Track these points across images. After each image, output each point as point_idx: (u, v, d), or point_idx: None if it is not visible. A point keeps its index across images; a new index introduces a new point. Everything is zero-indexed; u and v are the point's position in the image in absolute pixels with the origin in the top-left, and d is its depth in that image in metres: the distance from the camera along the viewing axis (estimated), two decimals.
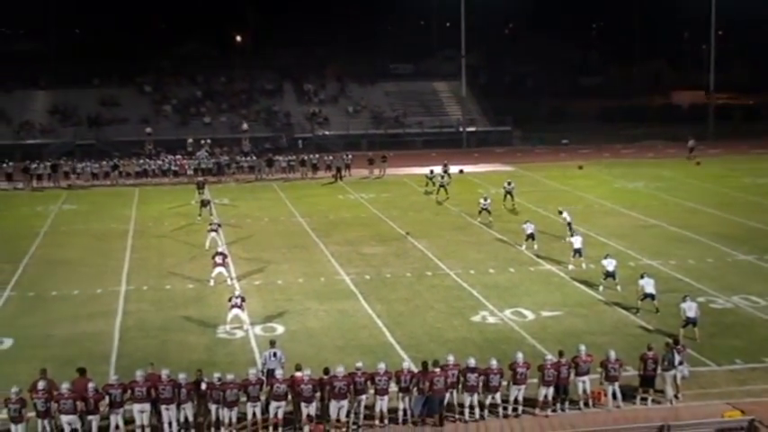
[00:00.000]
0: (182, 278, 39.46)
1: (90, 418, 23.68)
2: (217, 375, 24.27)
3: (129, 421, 23.81)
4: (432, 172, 63.22)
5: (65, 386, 23.57)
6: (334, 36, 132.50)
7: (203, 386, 24.06)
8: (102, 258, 43.71)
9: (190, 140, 79.57)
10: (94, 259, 43.63)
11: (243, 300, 32.72)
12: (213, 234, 44.78)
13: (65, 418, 23.26)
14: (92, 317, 34.26)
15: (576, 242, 40.73)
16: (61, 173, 69.19)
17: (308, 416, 23.79)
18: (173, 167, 70.66)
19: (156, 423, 23.89)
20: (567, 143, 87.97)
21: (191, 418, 23.95)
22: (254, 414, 24.05)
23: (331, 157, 72.16)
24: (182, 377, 24.05)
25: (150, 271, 40.96)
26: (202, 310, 34.68)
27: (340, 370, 24.29)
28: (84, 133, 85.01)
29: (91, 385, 23.89)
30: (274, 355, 26.45)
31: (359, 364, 24.83)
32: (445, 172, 63.73)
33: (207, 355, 29.62)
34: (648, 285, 32.99)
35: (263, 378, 25.07)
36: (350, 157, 72.06)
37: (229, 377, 24.11)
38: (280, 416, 24.00)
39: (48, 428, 23.42)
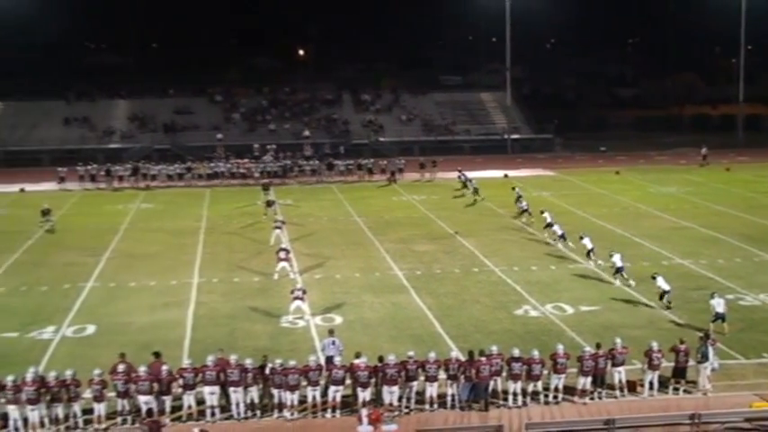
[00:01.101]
0: (248, 272, 39.63)
1: (164, 398, 23.90)
2: (280, 361, 24.33)
3: (200, 402, 23.98)
4: (460, 177, 63.26)
5: (142, 369, 23.80)
6: (389, 50, 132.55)
7: (268, 371, 24.16)
8: (177, 253, 44.05)
9: (256, 146, 79.88)
10: (169, 253, 43.97)
11: (304, 292, 32.79)
12: (278, 231, 44.95)
13: (142, 399, 23.49)
14: (167, 306, 34.54)
15: (588, 243, 40.71)
16: (140, 174, 69.83)
17: (364, 400, 23.79)
18: (241, 170, 71.02)
19: (224, 404, 24.05)
20: (605, 150, 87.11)
21: (256, 400, 24.06)
22: (313, 397, 24.11)
23: (385, 162, 72.22)
24: (248, 362, 24.17)
25: (220, 265, 41.19)
26: (267, 302, 34.80)
27: (392, 358, 24.28)
28: (160, 139, 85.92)
29: (165, 368, 24.11)
30: (333, 343, 26.50)
31: (410, 353, 24.80)
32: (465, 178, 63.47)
33: (271, 342, 29.71)
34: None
35: (323, 364, 25.13)
36: (403, 161, 72.05)
37: (291, 363, 24.19)
38: (338, 399, 24.03)
39: (126, 408, 23.66)
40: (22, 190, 65.85)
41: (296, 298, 32.29)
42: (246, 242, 46.33)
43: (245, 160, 73.81)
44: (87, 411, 23.48)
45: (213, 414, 23.77)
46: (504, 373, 24.68)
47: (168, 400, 23.95)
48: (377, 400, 24.08)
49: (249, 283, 37.64)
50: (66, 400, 23.31)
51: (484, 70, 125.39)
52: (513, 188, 56.84)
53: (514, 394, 24.54)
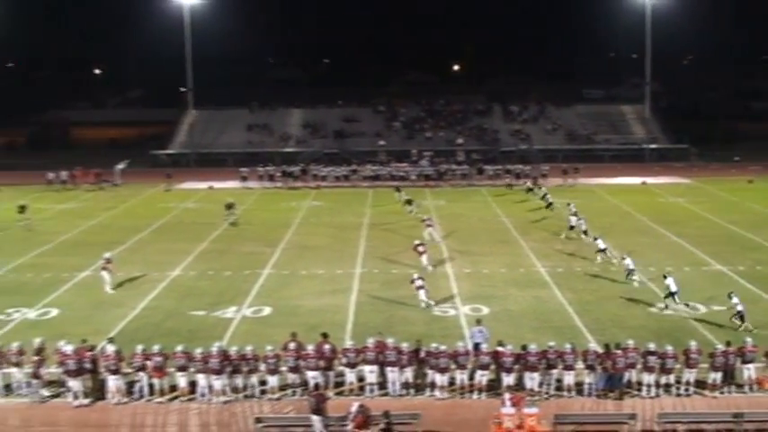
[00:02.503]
0: (405, 264, 39.83)
1: (329, 374, 24.33)
2: (433, 345, 24.44)
3: (360, 379, 24.30)
4: (531, 187, 62.02)
5: (310, 347, 24.29)
6: (536, 66, 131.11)
7: (422, 354, 24.27)
8: (342, 245, 44.71)
9: (414, 151, 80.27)
10: (336, 246, 44.67)
11: (423, 279, 33.09)
12: (430, 229, 45.10)
13: (310, 374, 23.98)
14: (333, 292, 35.11)
15: (601, 243, 40.01)
16: (311, 175, 71.26)
17: (508, 384, 23.62)
18: (400, 173, 71.51)
19: (382, 382, 24.29)
20: (739, 160, 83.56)
21: (411, 380, 24.20)
22: (461, 380, 24.09)
23: (529, 168, 71.43)
24: (404, 346, 24.34)
25: (380, 257, 41.60)
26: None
27: (534, 347, 24.04)
28: (329, 144, 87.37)
29: (327, 347, 24.52)
30: (480, 331, 26.43)
31: (551, 343, 24.49)
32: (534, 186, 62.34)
33: (425, 328, 29.81)
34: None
35: (471, 350, 25.08)
36: (547, 168, 71.10)
37: (443, 348, 24.24)
38: (483, 383, 23.95)
39: (297, 381, 24.20)
40: (210, 187, 68.15)
41: (419, 287, 32.54)
42: (403, 237, 46.60)
43: (404, 164, 74.34)
44: (262, 383, 24.15)
45: (372, 391, 24.05)
46: (638, 366, 24.06)
47: (332, 376, 24.40)
48: (519, 384, 23.89)
49: (406, 275, 37.75)
50: (245, 372, 24.04)
51: (624, 85, 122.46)
52: (568, 204, 51.86)
53: (648, 386, 23.91)
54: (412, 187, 64.73)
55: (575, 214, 47.61)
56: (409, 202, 54.61)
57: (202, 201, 61.36)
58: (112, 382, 23.75)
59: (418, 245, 39.60)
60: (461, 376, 24.08)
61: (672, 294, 32.11)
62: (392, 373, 24.02)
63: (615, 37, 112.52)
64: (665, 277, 32.55)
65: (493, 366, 24.13)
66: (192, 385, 24.00)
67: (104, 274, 36.01)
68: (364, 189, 67.29)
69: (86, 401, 23.70)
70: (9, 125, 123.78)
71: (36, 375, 23.76)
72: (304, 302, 33.60)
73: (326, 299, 34.16)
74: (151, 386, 23.99)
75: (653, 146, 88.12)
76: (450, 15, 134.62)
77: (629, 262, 36.20)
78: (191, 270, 39.39)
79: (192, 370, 23.98)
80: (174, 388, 24.15)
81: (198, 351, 24.02)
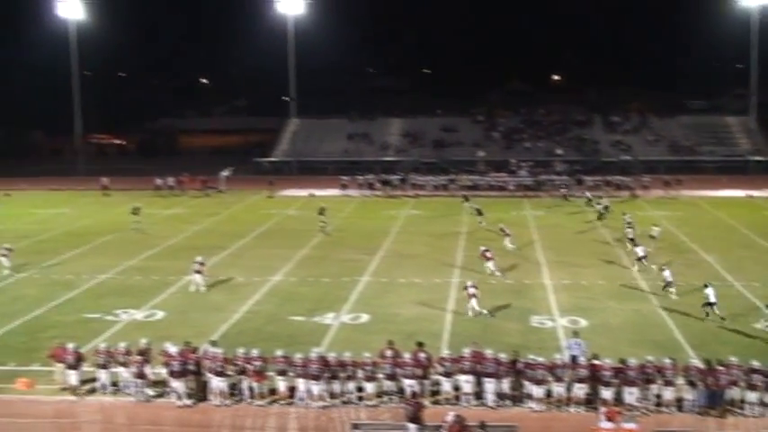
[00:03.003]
0: (506, 273, 39.48)
1: (426, 382, 24.27)
2: (530, 356, 24.15)
3: (456, 388, 24.16)
4: (589, 199, 60.57)
5: (407, 355, 24.28)
6: (638, 76, 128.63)
7: (519, 365, 24.01)
8: (440, 254, 44.58)
9: (513, 161, 79.78)
10: (433, 255, 44.57)
11: (476, 288, 32.89)
12: (507, 239, 45.26)
13: (406, 382, 23.93)
14: (429, 301, 34.99)
15: (641, 251, 40.12)
16: (410, 184, 71.43)
17: (605, 399, 23.15)
18: (498, 183, 71.09)
19: (478, 392, 24.10)
20: None
21: (507, 391, 23.95)
22: (558, 392, 23.71)
23: (629, 178, 70.07)
24: (501, 356, 24.12)
25: (477, 266, 41.29)
26: (519, 301, 34.60)
27: (633, 361, 23.51)
28: (428, 153, 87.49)
29: (423, 355, 24.47)
30: (577, 343, 25.99)
31: (649, 358, 23.90)
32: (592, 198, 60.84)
33: (521, 339, 29.47)
34: None
35: (568, 362, 24.67)
36: (648, 179, 69.67)
37: (540, 359, 23.94)
38: (581, 396, 23.52)
39: (393, 389, 24.21)
40: (311, 194, 68.97)
41: (472, 296, 32.44)
42: (500, 247, 46.25)
43: (503, 174, 73.90)
44: (359, 389, 24.23)
45: (468, 401, 23.88)
46: (742, 383, 23.27)
47: (428, 384, 24.33)
48: (618, 399, 23.39)
49: (502, 284, 37.55)
50: (343, 378, 24.17)
51: (729, 95, 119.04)
52: (624, 214, 51.18)
53: (751, 404, 23.11)
54: (510, 197, 64.23)
55: (629, 224, 47.08)
56: (479, 212, 54.27)
57: (303, 208, 62.09)
58: (216, 384, 24.17)
59: (485, 251, 39.74)
60: (558, 389, 23.70)
61: (710, 305, 31.64)
62: (489, 384, 23.81)
63: (719, 47, 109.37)
64: (705, 287, 32.23)
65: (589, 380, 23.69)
66: (291, 389, 24.25)
67: (197, 276, 37.12)
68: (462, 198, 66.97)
69: (189, 402, 24.19)
70: (121, 132, 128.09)
71: (141, 375, 24.37)
72: (401, 311, 33.61)
73: (423, 307, 34.07)
74: (251, 389, 24.34)
75: (758, 158, 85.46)
76: (551, 25, 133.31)
77: (667, 274, 35.47)
78: (291, 276, 39.88)
79: (291, 374, 24.23)
80: (273, 391, 24.45)
81: (297, 356, 24.26)
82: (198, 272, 37.27)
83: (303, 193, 69.56)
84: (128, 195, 68.76)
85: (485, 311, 32.38)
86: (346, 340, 29.26)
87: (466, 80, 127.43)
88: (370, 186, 71.28)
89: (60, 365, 25.12)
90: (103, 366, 24.80)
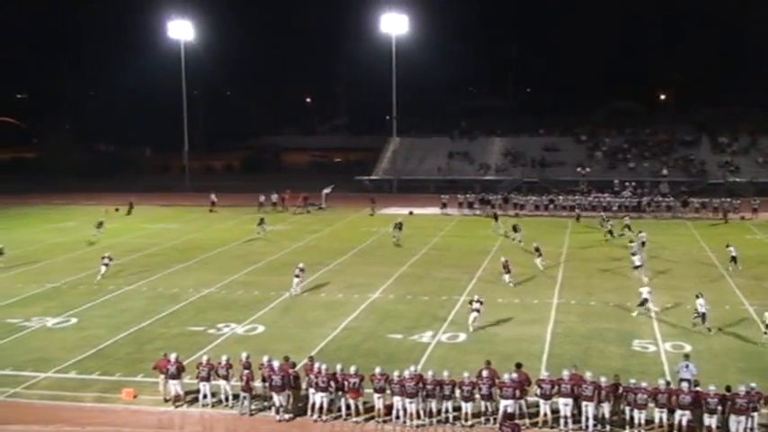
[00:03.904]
0: (603, 296, 38.90)
1: (523, 403, 24.04)
2: (632, 381, 23.66)
3: (554, 411, 23.84)
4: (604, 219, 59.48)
5: (506, 376, 24.07)
6: (747, 95, 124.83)
7: (620, 389, 23.54)
8: (539, 275, 44.01)
9: (616, 181, 78.49)
10: (533, 275, 44.06)
11: (481, 303, 33.27)
12: (539, 259, 45.17)
13: (504, 403, 23.74)
14: (529, 322, 34.67)
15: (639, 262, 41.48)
16: (511, 204, 70.97)
17: (709, 427, 22.47)
18: (601, 203, 69.96)
19: (576, 414, 23.73)
20: None
21: (607, 416, 23.49)
22: (660, 419, 23.14)
23: (738, 201, 67.95)
24: (602, 380, 23.69)
25: (578, 288, 40.75)
26: (621, 325, 33.95)
27: (741, 389, 22.74)
28: (529, 172, 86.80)
29: (521, 377, 24.21)
30: (686, 366, 25.31)
31: (752, 384, 23.09)
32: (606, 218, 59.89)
33: (622, 363, 28.88)
34: None
35: (672, 388, 24.00)
36: (757, 201, 67.52)
37: (643, 384, 23.41)
38: (684, 423, 22.87)
39: (489, 409, 24.03)
40: (410, 213, 69.20)
41: (475, 310, 33.03)
42: (602, 269, 45.55)
43: (605, 194, 72.72)
44: (456, 409, 24.14)
45: (566, 423, 23.53)
46: None
47: (524, 405, 24.07)
48: (723, 427, 22.66)
49: (604, 307, 36.93)
50: (440, 396, 24.13)
51: None
52: (640, 232, 52.04)
53: None
54: (612, 218, 63.10)
55: (642, 243, 48.25)
56: (515, 228, 54.71)
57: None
58: (316, 399, 24.40)
59: (506, 262, 41.51)
60: (661, 415, 23.12)
61: (700, 315, 32.60)
62: (588, 407, 23.41)
63: None
64: (696, 297, 33.14)
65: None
66: (388, 407, 24.31)
67: (296, 280, 39.46)
68: (563, 219, 66.29)
69: (287, 416, 24.50)
70: (227, 150, 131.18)
71: (245, 389, 24.79)
72: (500, 331, 33.37)
73: (522, 328, 33.77)
74: (348, 405, 24.50)
75: None
76: (658, 43, 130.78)
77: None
78: (390, 293, 40.05)
79: (388, 392, 24.31)
80: (370, 408, 24.55)
81: (395, 374, 24.33)
82: (297, 276, 39.68)
83: (403, 211, 69.80)
84: (233, 211, 70.34)
85: (474, 328, 32.95)
86: (443, 359, 29.20)
87: (569, 99, 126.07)
88: (470, 206, 71.09)
89: (163, 376, 25.80)
90: (205, 379, 25.37)
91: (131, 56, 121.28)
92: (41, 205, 78.32)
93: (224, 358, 25.76)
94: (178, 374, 25.52)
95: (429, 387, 24.11)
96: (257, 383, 25.25)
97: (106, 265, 43.26)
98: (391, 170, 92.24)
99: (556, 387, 23.85)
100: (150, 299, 39.35)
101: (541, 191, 76.32)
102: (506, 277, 40.98)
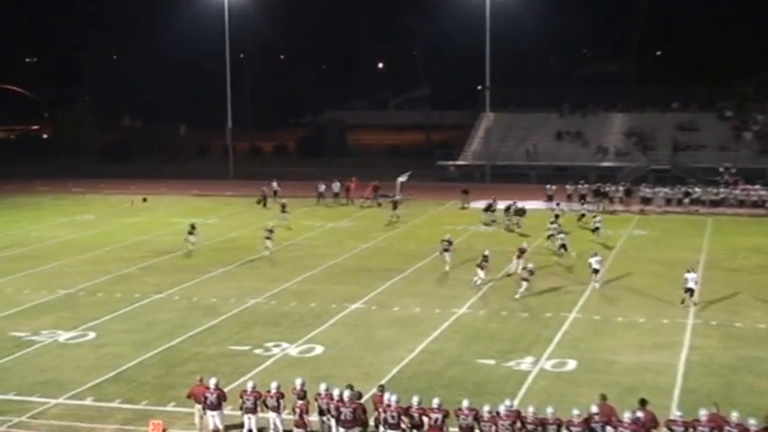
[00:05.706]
0: (753, 314, 38.20)
1: None
2: None
3: None
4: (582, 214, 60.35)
5: (627, 415, 23.72)
6: None
7: None
8: (671, 287, 43.26)
9: None
10: (662, 288, 43.45)
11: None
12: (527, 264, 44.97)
13: None
14: (656, 347, 34.24)
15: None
16: (635, 197, 70.19)
17: None
18: (752, 197, 68.77)
19: None
20: None
21: None
22: None
23: None
24: (751, 422, 23.18)
25: (719, 305, 40.09)
26: None
27: None
28: (659, 158, 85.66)
29: (646, 416, 23.86)
30: None
31: None
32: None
33: None
34: None
35: None
36: None
37: None
38: None
39: None
40: (508, 207, 68.77)
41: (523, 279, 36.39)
42: (751, 281, 44.71)
43: (757, 186, 71.37)
44: None
45: None
46: None
47: None
48: None
49: (754, 330, 36.27)
50: None
51: None
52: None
53: None
54: (764, 216, 62.03)
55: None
56: (595, 230, 55.94)
57: (500, 222, 61.94)
58: None
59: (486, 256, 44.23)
60: None
61: (688, 290, 38.61)
62: None
63: None
64: (687, 271, 38.85)
65: None
66: None
67: (446, 255, 46.70)
68: (702, 217, 65.49)
69: None
70: (279, 128, 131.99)
71: (299, 424, 24.81)
72: (619, 357, 33.04)
73: (647, 355, 33.39)
74: None
75: None
76: None
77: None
78: (480, 308, 39.95)
79: (477, 431, 24.21)
80: None
81: (485, 409, 24.20)
82: (446, 250, 46.85)
83: (500, 205, 69.34)
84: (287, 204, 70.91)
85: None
86: (547, 391, 29.06)
87: (712, 65, 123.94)
88: (582, 198, 70.45)
89: (199, 406, 26.06)
90: (251, 410, 25.57)
91: (163, 12, 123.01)
92: (53, 194, 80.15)
93: (273, 385, 25.88)
94: (218, 404, 25.75)
95: (529, 427, 23.92)
96: (314, 417, 25.37)
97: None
98: (483, 153, 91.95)
99: (691, 430, 23.48)
100: (183, 310, 39.90)
101: (674, 181, 75.27)
102: (481, 273, 43.31)
